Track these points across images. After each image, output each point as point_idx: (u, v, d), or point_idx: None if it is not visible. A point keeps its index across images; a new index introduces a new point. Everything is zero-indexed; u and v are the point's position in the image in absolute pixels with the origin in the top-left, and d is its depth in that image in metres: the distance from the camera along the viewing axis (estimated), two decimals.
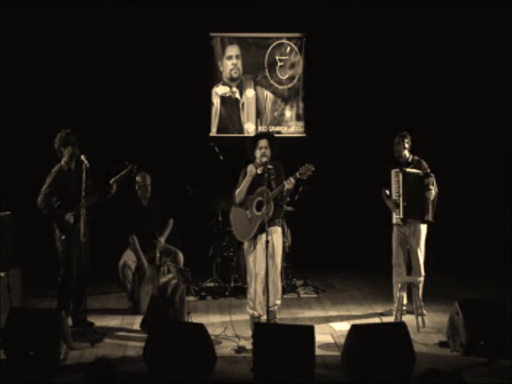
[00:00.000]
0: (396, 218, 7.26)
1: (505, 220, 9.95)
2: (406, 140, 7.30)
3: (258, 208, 6.74)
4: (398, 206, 7.20)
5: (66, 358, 5.99)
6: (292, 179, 6.57)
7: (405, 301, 7.23)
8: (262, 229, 6.58)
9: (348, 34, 10.15)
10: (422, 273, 7.23)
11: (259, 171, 6.76)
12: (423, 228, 7.25)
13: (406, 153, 7.32)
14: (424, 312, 7.07)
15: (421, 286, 7.17)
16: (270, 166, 6.66)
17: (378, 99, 10.16)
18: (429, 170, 7.21)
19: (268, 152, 6.75)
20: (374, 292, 8.36)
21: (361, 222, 9.78)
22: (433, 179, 7.14)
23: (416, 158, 7.34)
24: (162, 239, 7.77)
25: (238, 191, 6.85)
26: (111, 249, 7.90)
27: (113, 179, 6.97)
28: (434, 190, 7.12)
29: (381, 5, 9.99)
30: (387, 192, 7.33)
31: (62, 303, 6.88)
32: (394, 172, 7.24)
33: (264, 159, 6.70)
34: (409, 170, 7.20)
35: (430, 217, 7.17)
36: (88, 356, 6.07)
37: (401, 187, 7.17)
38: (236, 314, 7.30)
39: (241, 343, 6.40)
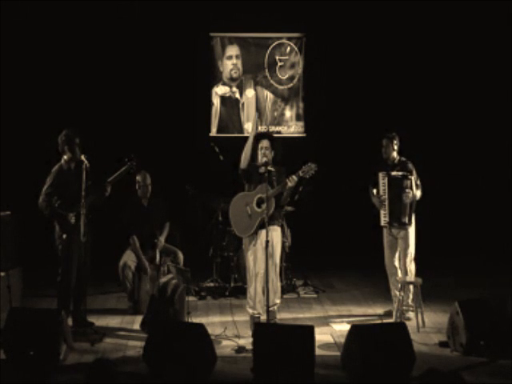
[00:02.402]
0: (383, 219, 7.25)
1: (505, 219, 9.95)
2: (395, 141, 7.29)
3: (259, 205, 6.75)
4: (384, 208, 7.22)
5: (65, 358, 5.98)
6: (294, 177, 6.59)
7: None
8: (262, 225, 6.59)
9: (348, 34, 10.15)
10: (411, 274, 7.19)
11: (261, 171, 6.77)
12: (411, 230, 7.22)
13: (395, 154, 7.32)
14: (424, 312, 7.07)
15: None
16: (271, 169, 6.68)
17: (378, 99, 10.16)
18: (414, 172, 7.20)
19: (269, 153, 6.78)
20: (373, 292, 8.36)
21: (361, 222, 9.75)
22: (411, 181, 7.10)
23: (402, 159, 7.32)
24: (162, 239, 7.77)
25: (242, 156, 6.83)
26: (111, 249, 7.89)
27: (111, 177, 6.95)
28: (410, 193, 7.09)
29: (381, 5, 10.00)
30: (374, 191, 7.34)
31: (62, 302, 6.87)
32: (381, 174, 7.24)
33: (264, 159, 6.73)
34: (394, 173, 7.18)
35: (406, 219, 7.14)
36: (88, 356, 6.06)
37: (386, 191, 7.18)
38: (236, 313, 7.29)
39: (241, 343, 6.40)
